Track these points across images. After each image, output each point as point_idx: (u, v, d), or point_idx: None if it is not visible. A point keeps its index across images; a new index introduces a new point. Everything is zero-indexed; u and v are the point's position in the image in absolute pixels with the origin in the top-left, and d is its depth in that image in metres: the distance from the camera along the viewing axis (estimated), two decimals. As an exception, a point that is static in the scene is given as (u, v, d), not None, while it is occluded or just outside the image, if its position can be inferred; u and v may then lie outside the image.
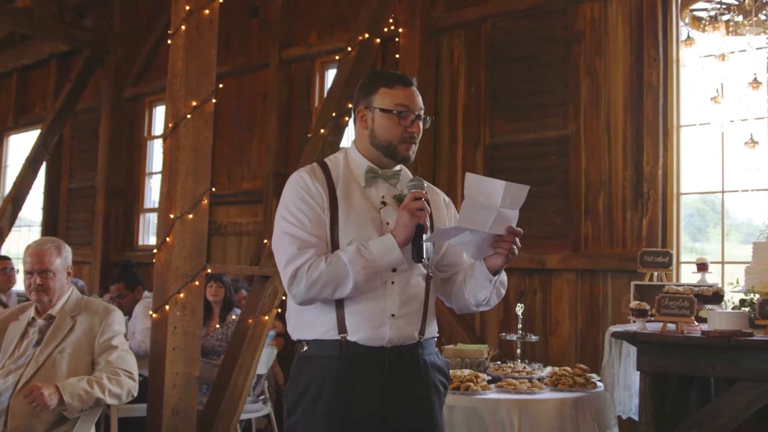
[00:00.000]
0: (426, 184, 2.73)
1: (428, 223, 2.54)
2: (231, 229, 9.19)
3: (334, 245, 2.61)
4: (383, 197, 2.69)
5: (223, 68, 8.94)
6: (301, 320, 2.70)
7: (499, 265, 2.59)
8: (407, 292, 2.62)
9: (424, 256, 2.55)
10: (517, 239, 2.53)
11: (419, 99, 2.71)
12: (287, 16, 8.76)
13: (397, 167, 2.75)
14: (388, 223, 2.63)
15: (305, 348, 2.67)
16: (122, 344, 3.94)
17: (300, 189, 2.65)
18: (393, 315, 2.58)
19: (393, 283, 2.59)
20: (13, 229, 10.62)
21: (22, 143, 12.72)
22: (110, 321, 3.94)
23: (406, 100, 2.66)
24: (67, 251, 4.08)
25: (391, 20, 7.28)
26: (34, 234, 12.19)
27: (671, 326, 4.29)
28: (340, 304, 2.59)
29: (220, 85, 5.91)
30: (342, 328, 2.58)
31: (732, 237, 5.99)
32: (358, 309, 2.58)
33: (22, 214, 10.92)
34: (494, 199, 2.45)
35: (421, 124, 2.71)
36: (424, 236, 2.54)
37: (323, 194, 2.63)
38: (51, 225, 11.75)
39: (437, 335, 2.81)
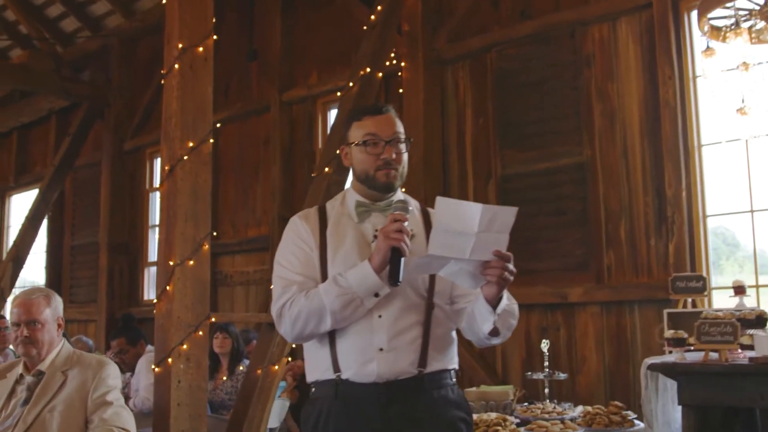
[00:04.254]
0: (431, 210, 2.66)
1: (406, 247, 2.41)
2: (237, 279, 8.90)
3: None
4: (377, 230, 2.59)
5: (223, 114, 8.78)
6: (308, 362, 2.68)
7: (493, 293, 2.42)
8: (397, 326, 2.51)
9: (400, 281, 2.41)
10: (509, 264, 2.37)
11: (393, 124, 2.65)
12: (286, 58, 8.59)
13: (394, 197, 2.67)
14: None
15: (312, 390, 2.66)
16: (117, 400, 3.62)
17: (291, 233, 2.69)
18: (381, 349, 2.50)
19: (380, 317, 2.51)
20: (15, 290, 10.33)
21: (24, 203, 12.50)
22: (104, 375, 3.63)
23: (374, 129, 2.63)
24: (57, 301, 3.79)
25: (393, 54, 7.08)
26: (38, 295, 11.89)
27: (713, 355, 3.95)
28: (332, 341, 2.56)
29: (218, 125, 5.69)
30: (336, 366, 2.54)
31: (746, 268, 5.71)
32: (346, 345, 2.53)
33: (25, 275, 10.69)
34: (470, 223, 2.30)
35: (400, 147, 2.63)
36: (402, 262, 2.41)
37: (311, 236, 2.64)
38: (55, 284, 11.46)
39: (453, 368, 2.63)
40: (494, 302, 2.43)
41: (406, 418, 2.48)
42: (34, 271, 11.89)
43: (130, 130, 10.47)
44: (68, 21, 10.91)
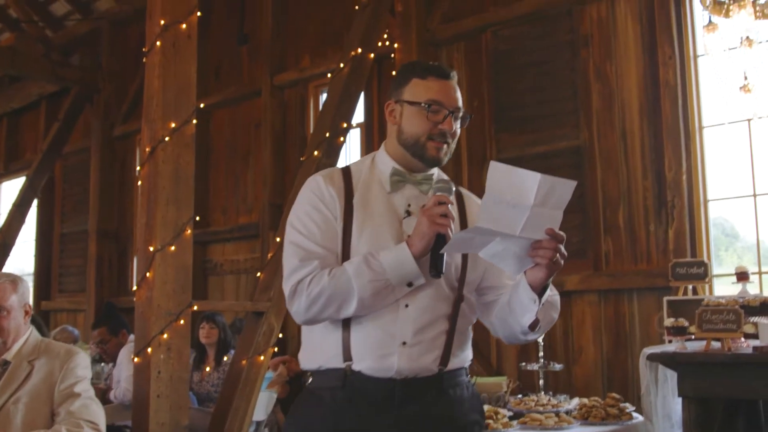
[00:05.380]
0: (464, 192, 2.41)
1: (451, 234, 2.13)
2: (228, 268, 8.69)
3: (345, 259, 2.26)
4: (409, 205, 2.32)
5: (214, 99, 8.60)
6: (308, 345, 2.36)
7: (541, 279, 2.12)
8: (424, 318, 2.23)
9: (444, 272, 2.15)
10: (561, 246, 2.08)
11: (456, 95, 2.36)
12: (278, 42, 8.37)
13: (431, 171, 2.38)
14: (409, 236, 2.22)
15: (309, 380, 2.36)
16: (86, 391, 3.42)
17: (312, 194, 2.34)
18: (404, 343, 2.21)
19: (407, 306, 2.22)
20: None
21: (14, 190, 12.28)
22: (72, 365, 3.42)
23: (438, 95, 2.32)
24: (25, 287, 3.58)
25: (385, 35, 6.86)
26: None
27: (715, 344, 3.77)
28: (346, 326, 2.25)
29: (202, 105, 5.48)
30: (347, 354, 2.24)
31: (745, 259, 5.54)
32: (364, 333, 2.23)
33: (14, 265, 10.48)
34: (526, 195, 1.99)
35: (457, 123, 2.35)
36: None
37: (337, 201, 2.31)
38: (44, 273, 11.29)
39: (468, 364, 2.37)
40: (539, 290, 2.15)
41: (420, 420, 2.23)
42: (23, 259, 11.69)
43: (119, 115, 10.27)
44: (58, 4, 10.72)
